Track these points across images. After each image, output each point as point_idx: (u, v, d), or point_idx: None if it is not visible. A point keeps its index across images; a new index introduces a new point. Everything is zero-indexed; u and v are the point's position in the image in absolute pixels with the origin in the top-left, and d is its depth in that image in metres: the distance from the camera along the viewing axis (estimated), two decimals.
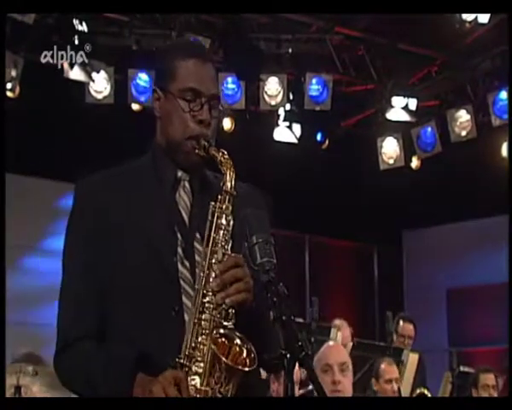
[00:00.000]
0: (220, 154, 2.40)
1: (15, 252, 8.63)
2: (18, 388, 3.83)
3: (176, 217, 2.43)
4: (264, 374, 3.12)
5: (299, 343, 2.10)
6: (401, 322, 7.73)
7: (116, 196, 2.45)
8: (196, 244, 2.41)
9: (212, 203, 2.37)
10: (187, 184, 2.47)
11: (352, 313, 11.32)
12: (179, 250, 2.39)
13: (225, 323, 2.29)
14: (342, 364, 4.46)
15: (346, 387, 4.43)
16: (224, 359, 2.23)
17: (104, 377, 2.29)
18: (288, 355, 2.09)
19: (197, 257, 2.39)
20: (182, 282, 2.37)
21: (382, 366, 6.26)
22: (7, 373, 3.71)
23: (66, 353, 2.39)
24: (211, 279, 2.31)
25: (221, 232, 2.35)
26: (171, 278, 2.36)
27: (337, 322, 7.51)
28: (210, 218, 2.36)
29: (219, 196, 2.37)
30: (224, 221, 2.35)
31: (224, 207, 2.36)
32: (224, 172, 2.39)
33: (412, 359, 7.13)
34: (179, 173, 2.47)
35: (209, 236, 2.35)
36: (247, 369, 2.23)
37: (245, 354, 2.26)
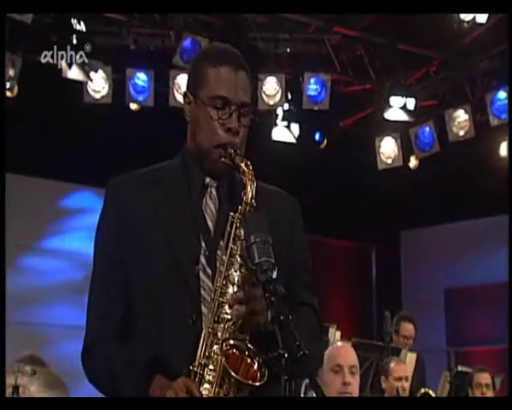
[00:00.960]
0: (244, 164, 2.40)
1: (15, 252, 8.64)
2: (16, 387, 3.83)
3: (201, 224, 2.44)
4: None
5: (297, 343, 2.10)
6: (402, 322, 7.73)
7: (145, 197, 2.47)
8: (219, 252, 2.41)
9: (231, 214, 2.38)
10: (214, 192, 2.48)
11: (351, 312, 11.34)
12: (202, 259, 2.40)
13: (238, 335, 2.30)
14: (352, 366, 4.47)
15: (354, 389, 4.44)
16: (233, 373, 2.23)
17: (124, 376, 2.35)
18: (286, 355, 2.09)
19: (219, 265, 2.39)
20: (202, 291, 2.38)
21: (392, 364, 6.40)
22: (5, 373, 3.71)
23: (91, 351, 2.46)
24: (227, 290, 2.32)
25: (238, 243, 2.35)
26: (192, 286, 2.38)
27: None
28: (228, 228, 2.37)
29: (239, 207, 2.37)
30: (241, 232, 2.35)
31: (242, 218, 2.36)
32: (245, 182, 2.38)
33: (410, 358, 7.14)
34: (207, 180, 2.48)
35: (227, 247, 2.36)
36: (257, 384, 2.24)
37: (256, 367, 2.26)
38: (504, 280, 7.94)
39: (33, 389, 3.83)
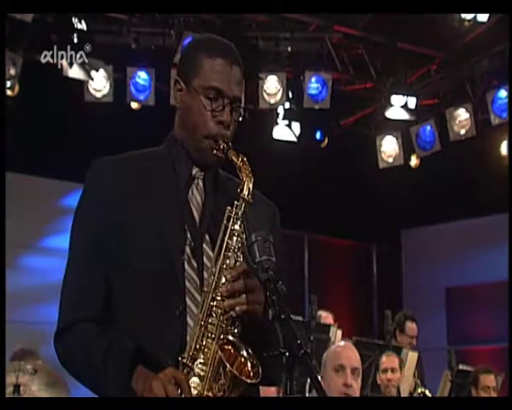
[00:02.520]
0: (240, 159, 2.39)
1: (15, 252, 8.63)
2: (17, 386, 3.83)
3: (187, 215, 2.41)
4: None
5: (298, 341, 2.09)
6: (408, 322, 7.72)
7: (130, 179, 2.43)
8: (205, 247, 2.40)
9: (229, 208, 2.36)
10: (200, 183, 2.46)
11: (351, 311, 11.34)
12: (187, 249, 2.38)
13: (231, 329, 2.28)
14: (355, 368, 4.44)
15: (355, 391, 4.42)
16: (229, 366, 2.22)
17: (104, 362, 2.28)
18: (287, 353, 2.09)
19: (205, 260, 2.38)
20: (187, 282, 2.35)
21: (383, 358, 6.64)
22: (6, 372, 3.71)
23: (67, 332, 2.38)
24: (221, 284, 2.30)
25: (234, 238, 2.34)
26: (178, 276, 2.35)
27: (322, 313, 7.52)
28: (225, 222, 2.35)
29: (236, 202, 2.36)
30: (238, 227, 2.34)
31: (239, 213, 2.35)
32: (242, 178, 2.37)
33: (412, 357, 7.13)
34: (194, 171, 2.46)
35: (223, 240, 2.34)
36: (249, 381, 2.22)
37: (249, 367, 2.25)
38: (505, 279, 7.95)
39: (34, 388, 3.82)
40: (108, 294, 2.38)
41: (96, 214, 2.40)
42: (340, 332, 6.99)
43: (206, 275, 2.36)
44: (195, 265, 2.37)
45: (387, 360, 6.58)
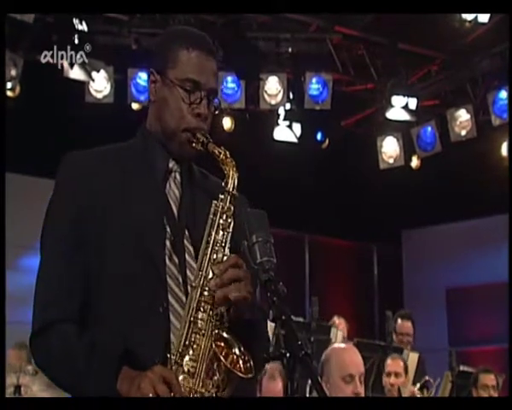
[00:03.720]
0: (222, 152, 2.36)
1: (15, 252, 8.63)
2: (18, 387, 3.83)
3: (165, 209, 2.37)
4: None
5: (299, 343, 2.09)
6: (399, 320, 7.73)
7: (105, 176, 2.37)
8: (186, 243, 2.36)
9: (215, 202, 2.34)
10: (178, 176, 2.43)
11: (352, 312, 11.32)
12: (167, 244, 2.34)
13: (220, 325, 2.26)
14: (362, 375, 4.38)
15: (362, 394, 4.37)
16: (224, 361, 2.20)
17: (87, 364, 2.20)
18: (288, 354, 2.08)
19: (187, 256, 2.35)
20: (169, 279, 2.31)
21: (388, 360, 6.62)
22: (7, 372, 3.71)
23: (45, 333, 2.28)
24: (209, 279, 2.27)
25: (221, 233, 2.32)
26: (159, 272, 2.30)
27: (336, 320, 7.52)
28: (211, 217, 2.33)
29: (221, 196, 2.34)
30: (224, 222, 2.33)
31: (225, 207, 2.33)
32: (226, 171, 2.35)
33: (412, 358, 7.13)
34: (171, 164, 2.42)
35: (209, 235, 2.32)
36: (242, 375, 2.20)
37: (241, 363, 2.23)
38: (506, 280, 7.94)
39: (35, 388, 3.83)
40: (87, 292, 2.30)
41: (71, 210, 2.34)
42: (340, 333, 6.99)
43: (188, 272, 2.32)
44: (177, 261, 2.33)
45: (392, 363, 6.54)
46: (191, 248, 2.35)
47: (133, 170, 2.40)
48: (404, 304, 11.84)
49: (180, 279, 2.32)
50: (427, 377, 7.09)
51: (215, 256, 2.31)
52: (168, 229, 2.35)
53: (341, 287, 12.00)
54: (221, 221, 2.33)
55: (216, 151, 2.36)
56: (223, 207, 2.33)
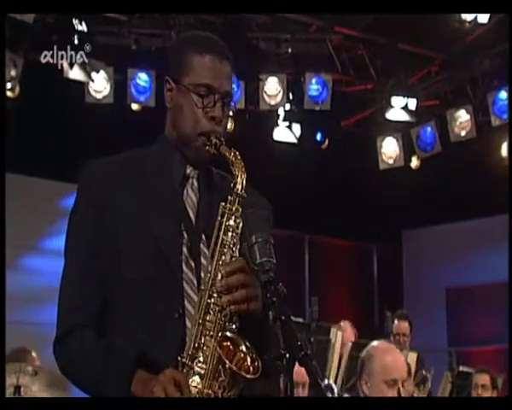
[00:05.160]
0: (232, 154, 2.37)
1: (15, 252, 8.63)
2: (18, 387, 3.83)
3: (183, 215, 2.40)
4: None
5: (299, 343, 2.09)
6: (396, 321, 7.73)
7: (124, 183, 2.41)
8: (202, 246, 2.38)
9: (223, 204, 2.35)
10: (195, 182, 2.45)
11: (352, 312, 11.32)
12: (184, 250, 2.36)
13: (229, 326, 2.27)
14: (405, 380, 4.26)
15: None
16: (228, 363, 2.21)
17: (104, 368, 2.27)
18: (288, 355, 2.08)
19: (203, 259, 2.37)
20: (185, 284, 2.34)
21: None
22: (6, 373, 3.71)
23: (65, 339, 2.36)
24: (217, 280, 2.29)
25: (229, 234, 2.33)
26: (176, 278, 2.34)
27: (342, 324, 7.51)
28: (219, 218, 2.34)
29: (229, 198, 2.35)
30: (232, 223, 2.33)
31: (233, 208, 2.34)
32: (235, 173, 2.36)
33: (411, 358, 7.13)
34: (188, 170, 2.45)
35: (218, 236, 2.33)
36: (249, 376, 2.21)
37: (249, 362, 2.24)
38: (506, 280, 7.94)
39: (35, 388, 3.83)
40: (105, 298, 2.37)
41: (90, 219, 2.39)
42: (340, 334, 6.98)
43: (203, 275, 2.34)
44: (193, 265, 2.36)
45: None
46: (207, 252, 2.37)
47: (151, 177, 2.44)
48: (404, 304, 11.83)
49: (195, 283, 2.35)
50: (424, 372, 7.07)
51: (223, 258, 2.31)
52: (185, 235, 2.38)
53: (341, 287, 12.00)
54: (229, 223, 2.34)
55: (226, 153, 2.38)
56: (230, 209, 2.34)
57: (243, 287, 2.26)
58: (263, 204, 2.52)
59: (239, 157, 2.38)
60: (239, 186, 2.35)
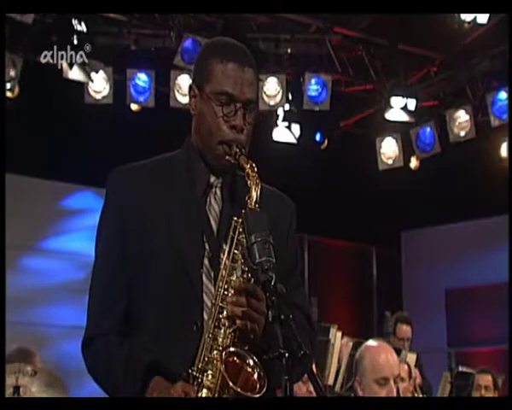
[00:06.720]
0: (249, 166, 2.37)
1: (15, 252, 8.63)
2: (17, 388, 3.83)
3: (205, 225, 2.41)
4: None
5: (298, 342, 2.09)
6: (398, 324, 7.70)
7: (149, 191, 2.43)
8: (222, 256, 2.38)
9: (235, 218, 2.35)
10: (218, 192, 2.45)
11: (351, 313, 11.34)
12: (206, 262, 2.38)
13: (238, 341, 2.28)
14: (397, 376, 4.22)
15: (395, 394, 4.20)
16: (231, 385, 2.20)
17: (124, 373, 2.33)
18: (287, 354, 2.08)
19: (223, 271, 2.36)
20: (205, 296, 2.35)
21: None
22: (6, 373, 3.71)
23: (93, 343, 2.42)
24: (229, 296, 2.29)
25: (240, 248, 2.33)
26: (196, 290, 2.35)
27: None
28: (231, 233, 2.34)
29: (242, 212, 2.33)
30: (243, 237, 2.32)
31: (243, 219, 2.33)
32: (249, 185, 2.35)
33: (410, 359, 7.13)
34: (212, 179, 2.45)
35: (229, 252, 2.33)
36: (254, 395, 2.21)
37: (256, 377, 2.24)
38: (505, 281, 7.94)
39: (34, 389, 3.83)
40: (130, 304, 2.41)
41: (117, 225, 2.42)
42: (339, 334, 6.98)
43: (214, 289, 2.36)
44: (213, 275, 2.37)
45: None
46: (228, 263, 2.37)
47: (175, 185, 2.45)
48: (404, 305, 11.84)
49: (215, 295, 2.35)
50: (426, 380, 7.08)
51: (234, 272, 2.32)
52: (207, 246, 2.39)
53: (340, 287, 12.00)
54: (240, 237, 2.33)
55: (244, 164, 2.37)
56: (242, 224, 2.33)
57: (249, 310, 2.26)
58: (281, 203, 2.57)
59: (255, 170, 2.37)
60: (253, 200, 2.34)
